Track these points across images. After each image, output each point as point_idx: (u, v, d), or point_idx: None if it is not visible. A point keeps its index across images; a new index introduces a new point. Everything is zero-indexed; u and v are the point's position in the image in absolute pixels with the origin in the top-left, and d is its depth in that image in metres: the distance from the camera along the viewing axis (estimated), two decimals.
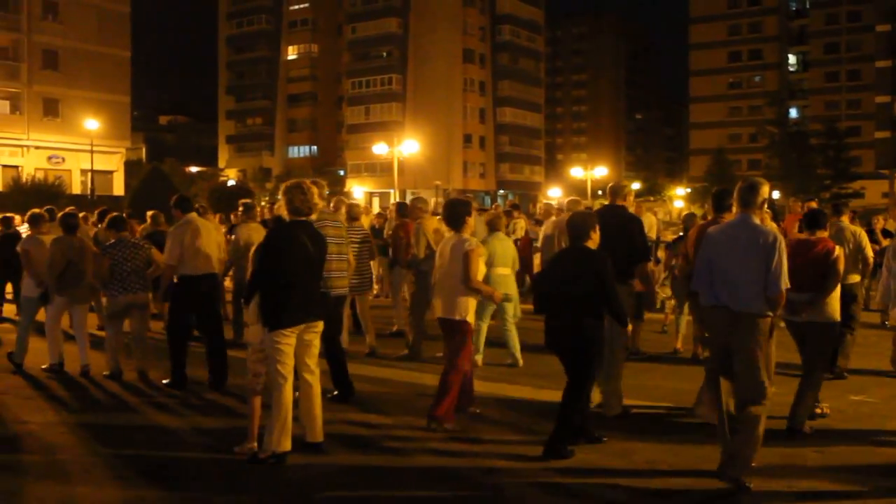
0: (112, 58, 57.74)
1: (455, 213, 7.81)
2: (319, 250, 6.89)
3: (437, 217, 11.21)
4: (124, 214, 12.00)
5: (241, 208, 12.72)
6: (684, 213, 21.38)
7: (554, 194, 77.52)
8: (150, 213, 13.79)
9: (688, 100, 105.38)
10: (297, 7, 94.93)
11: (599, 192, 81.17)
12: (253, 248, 7.08)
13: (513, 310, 10.53)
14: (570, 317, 6.68)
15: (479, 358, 10.12)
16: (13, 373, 10.22)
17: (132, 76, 61.48)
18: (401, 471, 6.49)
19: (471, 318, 7.67)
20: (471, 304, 7.65)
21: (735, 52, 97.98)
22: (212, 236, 9.62)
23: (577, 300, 6.66)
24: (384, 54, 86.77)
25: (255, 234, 11.36)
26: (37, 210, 11.54)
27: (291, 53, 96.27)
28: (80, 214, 13.67)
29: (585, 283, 6.65)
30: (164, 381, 9.43)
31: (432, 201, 61.65)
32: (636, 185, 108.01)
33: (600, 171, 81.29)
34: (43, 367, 10.26)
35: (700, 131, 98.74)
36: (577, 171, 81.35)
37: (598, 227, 6.94)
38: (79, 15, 56.09)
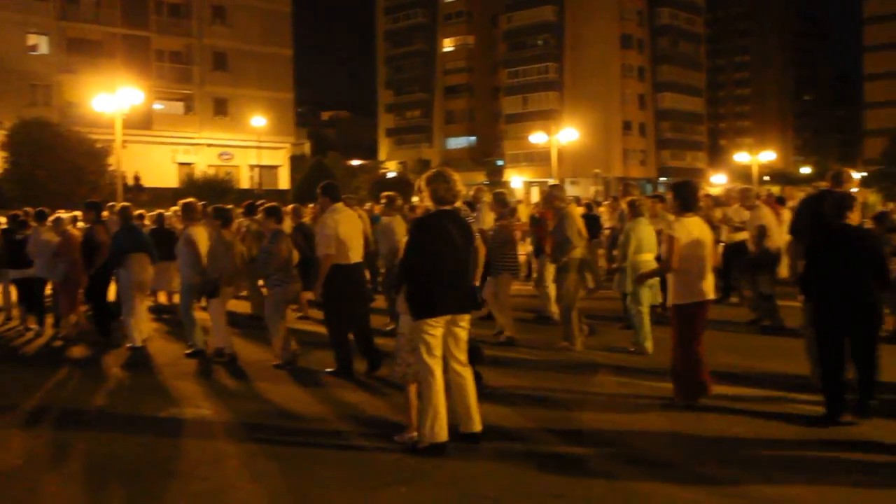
0: (276, 57, 59.94)
1: (694, 193, 8.10)
2: (467, 240, 6.80)
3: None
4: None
5: (383, 200, 12.81)
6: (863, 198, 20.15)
7: (718, 181, 75.26)
8: (289, 207, 13.99)
9: (862, 77, 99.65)
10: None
11: (765, 178, 78.19)
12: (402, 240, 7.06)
13: (651, 297, 10.64)
14: (857, 291, 7.04)
15: (649, 345, 10.41)
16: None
17: (296, 74, 63.55)
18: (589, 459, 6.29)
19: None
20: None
21: None
22: (359, 226, 9.70)
23: (857, 274, 7.06)
24: (540, 43, 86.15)
25: (398, 225, 11.96)
26: (191, 200, 11.79)
27: (447, 46, 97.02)
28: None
29: (864, 257, 7.09)
30: (328, 370, 9.53)
31: (592, 189, 60.97)
32: (806, 170, 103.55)
33: (766, 156, 78.07)
34: (211, 354, 10.68)
35: (876, 110, 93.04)
36: (741, 157, 78.42)
37: (855, 207, 7.34)
38: (245, 17, 58.45)
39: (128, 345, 11.48)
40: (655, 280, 10.23)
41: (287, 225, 13.36)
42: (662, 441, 6.88)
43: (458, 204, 7.06)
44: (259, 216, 11.83)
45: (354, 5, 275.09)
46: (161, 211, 15.62)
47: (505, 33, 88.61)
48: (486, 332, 11.38)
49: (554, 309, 12.45)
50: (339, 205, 9.55)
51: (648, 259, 10.55)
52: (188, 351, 10.95)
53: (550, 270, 12.25)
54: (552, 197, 11.19)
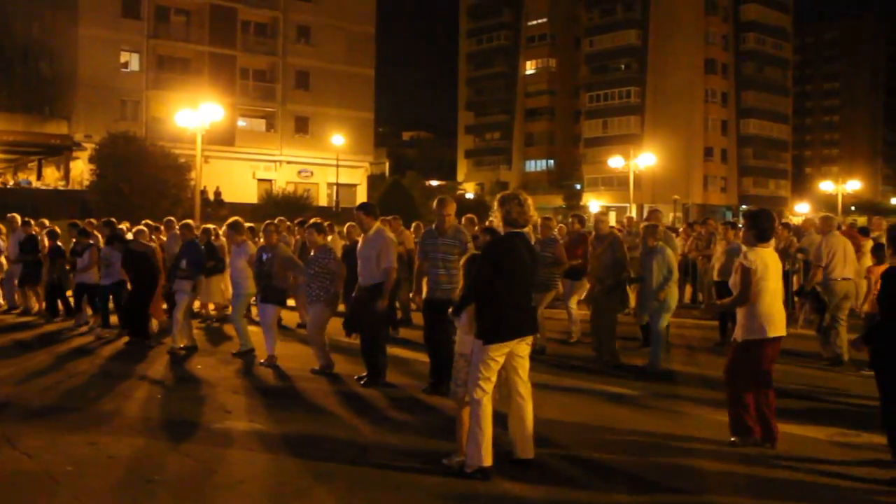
0: (358, 77, 60.66)
1: (771, 222, 7.59)
2: (535, 263, 6.83)
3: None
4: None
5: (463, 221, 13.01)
6: None
7: (801, 209, 73.55)
8: (348, 224, 14.35)
9: None
10: (535, 22, 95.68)
11: (852, 208, 76.20)
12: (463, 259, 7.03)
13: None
14: None
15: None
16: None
17: (379, 94, 64.22)
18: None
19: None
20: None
21: None
22: None
23: None
24: (622, 67, 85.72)
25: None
26: (236, 218, 12.62)
27: (529, 68, 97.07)
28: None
29: None
30: (360, 378, 9.90)
31: (670, 216, 60.34)
32: (895, 200, 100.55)
33: (853, 186, 76.12)
34: (261, 361, 11.17)
35: None
36: (826, 186, 76.65)
37: None
38: (328, 37, 59.31)
39: (179, 346, 12.16)
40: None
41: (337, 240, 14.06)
42: (699, 476, 6.63)
43: (528, 228, 6.98)
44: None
45: (438, 28, 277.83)
46: (207, 226, 16.16)
47: (587, 56, 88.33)
48: None
49: (575, 329, 13.26)
50: (379, 223, 9.94)
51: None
52: (237, 351, 11.82)
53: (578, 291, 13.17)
54: (599, 221, 11.87)
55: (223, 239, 15.82)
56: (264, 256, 11.25)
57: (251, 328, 12.32)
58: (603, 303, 11.39)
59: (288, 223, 17.85)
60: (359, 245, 9.99)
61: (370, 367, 9.82)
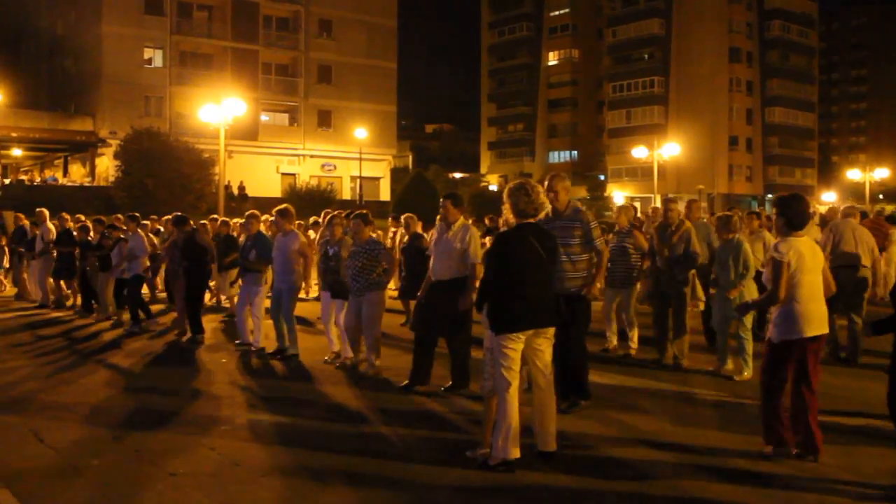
0: (380, 70, 60.75)
1: (804, 209, 6.86)
2: (550, 252, 6.62)
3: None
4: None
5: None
6: None
7: (828, 198, 72.89)
8: (405, 216, 14.30)
9: None
10: (557, 13, 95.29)
11: (880, 196, 75.45)
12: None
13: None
14: None
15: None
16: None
17: (402, 87, 64.23)
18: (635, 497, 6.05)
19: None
20: None
21: None
22: None
23: None
24: (646, 56, 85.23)
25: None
26: (284, 206, 11.97)
27: (552, 59, 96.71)
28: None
29: None
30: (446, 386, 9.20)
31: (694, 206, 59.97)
32: None
33: (881, 173, 75.26)
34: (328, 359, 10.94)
35: None
36: (854, 174, 75.86)
37: None
38: (350, 31, 59.42)
39: (253, 344, 11.85)
40: None
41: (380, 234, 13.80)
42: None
43: (541, 215, 6.81)
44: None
45: (460, 20, 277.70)
46: (222, 217, 16.18)
47: (610, 47, 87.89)
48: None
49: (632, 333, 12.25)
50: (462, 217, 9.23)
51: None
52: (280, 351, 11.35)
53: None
54: (669, 210, 10.68)
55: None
56: (331, 251, 10.72)
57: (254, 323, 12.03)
58: (675, 299, 10.44)
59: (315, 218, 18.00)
60: (437, 237, 9.18)
61: (459, 373, 9.13)
